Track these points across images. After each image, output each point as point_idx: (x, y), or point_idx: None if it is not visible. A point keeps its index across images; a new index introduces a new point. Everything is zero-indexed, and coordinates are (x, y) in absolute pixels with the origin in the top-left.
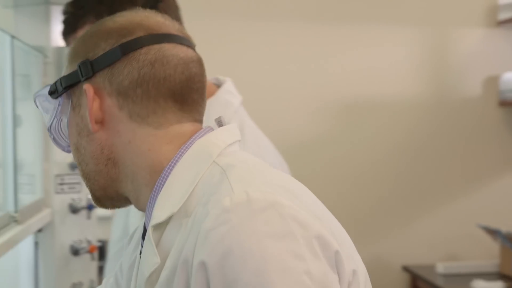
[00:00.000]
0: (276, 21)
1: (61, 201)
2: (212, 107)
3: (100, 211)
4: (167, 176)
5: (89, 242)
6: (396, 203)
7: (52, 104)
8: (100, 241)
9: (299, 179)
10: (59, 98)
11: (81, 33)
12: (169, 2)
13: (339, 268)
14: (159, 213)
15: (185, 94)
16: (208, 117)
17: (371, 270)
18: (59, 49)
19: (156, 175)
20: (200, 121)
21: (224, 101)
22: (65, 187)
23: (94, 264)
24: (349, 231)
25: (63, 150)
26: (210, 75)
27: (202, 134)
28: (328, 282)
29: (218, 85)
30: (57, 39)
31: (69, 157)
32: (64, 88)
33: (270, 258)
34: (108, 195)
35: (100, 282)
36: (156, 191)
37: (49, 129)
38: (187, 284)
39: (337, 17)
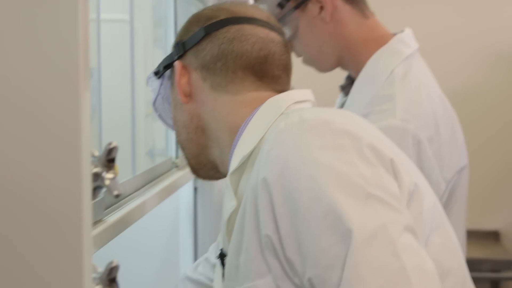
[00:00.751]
0: None
1: None
2: (381, 55)
3: None
4: (242, 132)
5: None
6: None
7: (157, 83)
8: None
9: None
10: (162, 78)
11: None
12: None
13: (397, 176)
14: (234, 160)
15: (265, 69)
16: (376, 63)
17: None
18: (220, 0)
19: (234, 135)
20: (281, 91)
21: (393, 50)
22: None
23: None
24: None
25: (169, 127)
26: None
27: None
28: (383, 183)
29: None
30: None
31: None
32: (163, 68)
33: (322, 165)
34: (201, 162)
35: None
36: (234, 147)
37: (154, 105)
38: (256, 208)
39: None
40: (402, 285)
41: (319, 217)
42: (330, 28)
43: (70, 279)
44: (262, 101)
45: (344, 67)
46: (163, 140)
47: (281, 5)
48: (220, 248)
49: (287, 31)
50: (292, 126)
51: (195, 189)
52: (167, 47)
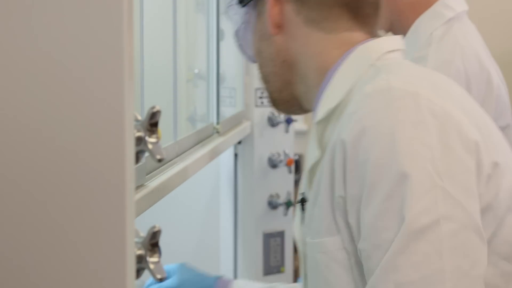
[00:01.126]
0: None
1: (261, 114)
2: (423, 19)
3: (298, 126)
4: (330, 77)
5: (286, 155)
6: None
7: (240, 12)
8: (296, 154)
9: None
10: (246, 7)
11: None
12: None
13: (478, 160)
14: (321, 111)
15: (359, 7)
16: (418, 26)
17: None
18: None
19: (323, 77)
20: (371, 33)
21: (435, 14)
22: (264, 100)
23: (291, 177)
24: None
25: (249, 59)
26: None
27: (366, 42)
28: (456, 173)
29: None
30: None
31: None
32: None
33: (399, 141)
34: (284, 97)
35: (296, 194)
36: (321, 91)
37: (237, 34)
38: (333, 167)
39: None
40: (435, 286)
41: (381, 197)
42: None
43: (113, 243)
44: (353, 44)
45: (394, 32)
46: (204, 106)
47: None
48: (301, 192)
49: None
50: (379, 93)
51: (236, 155)
52: (209, 12)
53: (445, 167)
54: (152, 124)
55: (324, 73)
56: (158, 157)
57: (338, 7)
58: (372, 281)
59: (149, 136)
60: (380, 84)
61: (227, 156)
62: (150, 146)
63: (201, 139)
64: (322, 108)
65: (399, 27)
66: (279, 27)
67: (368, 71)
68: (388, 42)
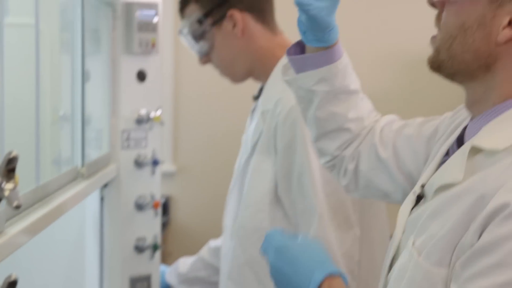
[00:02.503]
0: None
1: (127, 156)
2: (284, 62)
3: (164, 167)
4: None
5: (153, 197)
6: None
7: None
8: (164, 196)
9: None
10: None
11: (188, 11)
12: None
13: None
14: (494, 140)
15: None
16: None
17: None
18: (128, 4)
19: None
20: None
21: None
22: (131, 142)
23: (158, 220)
24: None
25: None
26: None
27: None
28: None
29: None
30: None
31: (135, 112)
32: None
33: None
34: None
35: (163, 237)
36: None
37: None
38: (470, 215)
39: None
40: None
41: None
42: (242, 43)
43: None
44: None
45: (256, 77)
46: (69, 148)
47: (199, 22)
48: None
49: (205, 45)
50: None
51: (102, 198)
52: (75, 50)
53: None
54: (9, 170)
55: None
56: (15, 203)
57: None
58: None
59: (6, 182)
60: None
61: (93, 200)
62: (6, 192)
63: (65, 183)
64: (497, 138)
65: (261, 73)
66: None
67: None
68: None
